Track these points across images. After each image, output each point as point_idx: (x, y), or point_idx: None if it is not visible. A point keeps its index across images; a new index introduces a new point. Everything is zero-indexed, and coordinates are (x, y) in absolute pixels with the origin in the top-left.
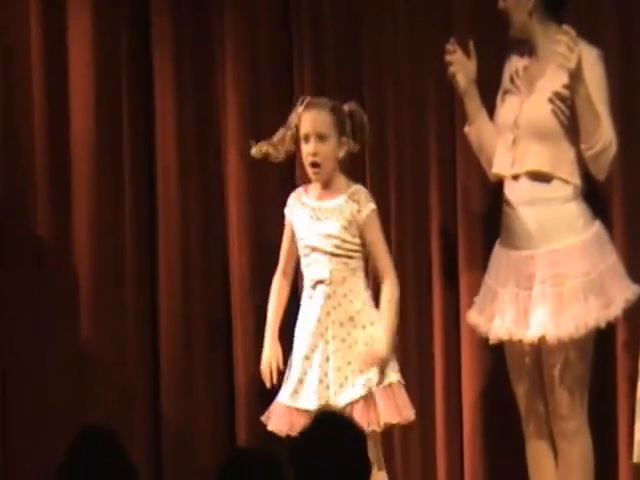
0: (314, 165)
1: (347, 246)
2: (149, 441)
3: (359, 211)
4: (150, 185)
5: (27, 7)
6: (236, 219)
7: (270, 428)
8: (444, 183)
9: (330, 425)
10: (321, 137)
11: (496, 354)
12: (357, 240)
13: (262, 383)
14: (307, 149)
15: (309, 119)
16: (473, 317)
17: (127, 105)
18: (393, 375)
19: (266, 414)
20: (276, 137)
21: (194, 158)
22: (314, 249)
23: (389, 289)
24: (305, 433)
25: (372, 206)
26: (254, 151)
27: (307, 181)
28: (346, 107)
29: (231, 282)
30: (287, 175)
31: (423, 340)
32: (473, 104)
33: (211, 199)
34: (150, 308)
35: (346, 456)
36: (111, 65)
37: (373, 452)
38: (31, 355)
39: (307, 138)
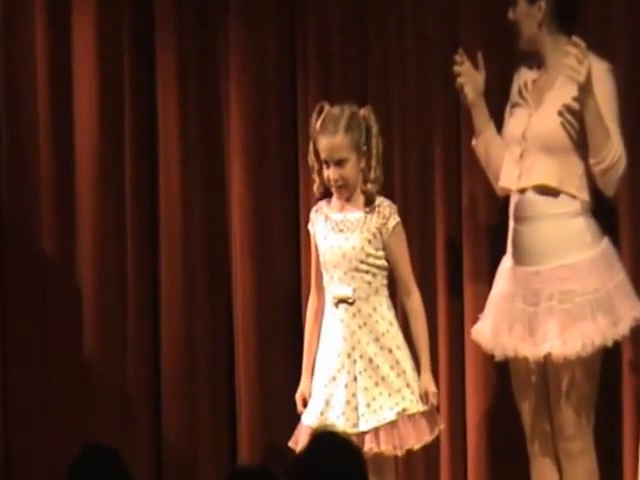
0: (337, 187)
1: (370, 261)
2: (151, 458)
3: (384, 224)
4: (153, 203)
5: (33, 26)
6: (239, 236)
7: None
8: (450, 196)
9: (328, 445)
10: (339, 162)
11: (501, 371)
12: (381, 253)
13: (264, 402)
14: (328, 174)
15: (325, 145)
16: (478, 334)
17: (130, 124)
18: (419, 406)
19: (293, 438)
20: (311, 164)
21: (197, 176)
22: (336, 265)
23: (417, 305)
24: (303, 452)
25: (397, 219)
26: (316, 190)
27: (313, 196)
28: (361, 112)
29: (234, 300)
30: (291, 191)
31: None
32: (481, 116)
33: (214, 216)
34: (153, 326)
35: (344, 475)
36: (114, 84)
37: (387, 477)
38: (35, 373)
39: (327, 163)
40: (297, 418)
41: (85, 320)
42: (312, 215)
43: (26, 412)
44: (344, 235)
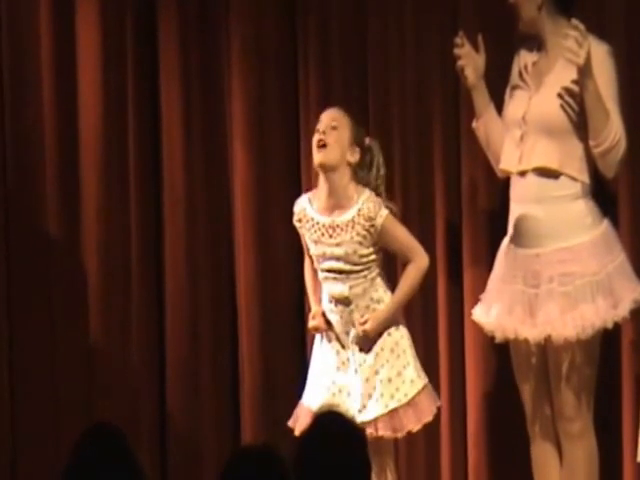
0: (321, 145)
1: (364, 260)
2: (155, 439)
3: (372, 225)
4: (156, 184)
5: (37, 9)
6: (242, 220)
7: (297, 433)
8: (449, 180)
9: (331, 425)
10: (333, 127)
11: (501, 353)
12: (373, 249)
13: (266, 383)
14: (318, 136)
15: (324, 116)
16: (478, 315)
17: (133, 104)
18: (419, 383)
19: (293, 417)
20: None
21: (200, 157)
22: (330, 269)
23: (413, 271)
24: (307, 433)
25: (383, 214)
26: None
27: (314, 185)
28: (367, 140)
29: (237, 282)
30: (293, 175)
31: (428, 338)
32: (481, 99)
33: (217, 197)
34: (157, 307)
35: (347, 455)
36: (118, 64)
37: (387, 458)
38: (41, 355)
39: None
40: (300, 398)
41: (90, 302)
42: (297, 214)
43: (32, 395)
44: (334, 240)
